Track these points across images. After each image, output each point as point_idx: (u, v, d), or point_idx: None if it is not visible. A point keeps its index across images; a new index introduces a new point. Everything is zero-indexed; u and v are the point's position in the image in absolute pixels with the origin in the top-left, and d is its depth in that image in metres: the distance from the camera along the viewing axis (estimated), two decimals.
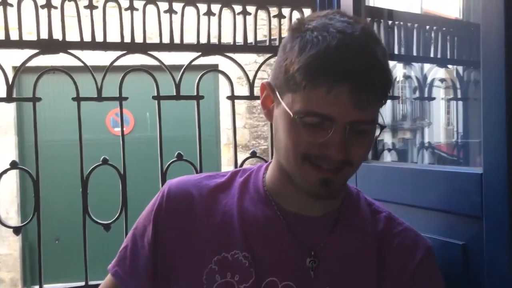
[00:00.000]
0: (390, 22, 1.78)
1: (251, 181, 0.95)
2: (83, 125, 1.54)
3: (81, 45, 1.51)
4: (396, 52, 1.81)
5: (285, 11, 1.69)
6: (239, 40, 1.67)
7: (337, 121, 0.78)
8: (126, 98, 1.57)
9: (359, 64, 0.77)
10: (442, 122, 2.54)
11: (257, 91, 1.31)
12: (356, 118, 0.79)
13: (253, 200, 0.92)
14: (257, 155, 1.72)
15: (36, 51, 1.46)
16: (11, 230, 1.50)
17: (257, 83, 1.40)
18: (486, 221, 1.10)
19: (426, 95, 1.85)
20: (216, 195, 0.94)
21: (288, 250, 0.88)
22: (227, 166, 5.47)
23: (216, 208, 0.93)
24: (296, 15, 1.69)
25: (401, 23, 1.79)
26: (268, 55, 1.74)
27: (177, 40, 1.60)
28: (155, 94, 1.59)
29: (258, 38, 1.68)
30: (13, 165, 1.47)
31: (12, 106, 5.11)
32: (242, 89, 1.80)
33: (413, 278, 0.90)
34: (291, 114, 0.80)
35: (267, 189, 0.93)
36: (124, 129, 1.62)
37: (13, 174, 4.14)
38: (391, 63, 1.84)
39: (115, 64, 1.53)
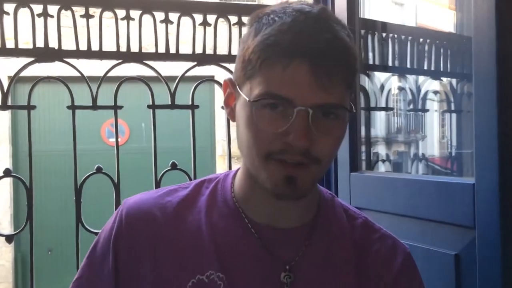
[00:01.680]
0: (384, 34, 1.80)
1: (218, 193, 0.87)
2: (78, 136, 1.54)
3: (77, 53, 1.52)
4: (390, 64, 1.83)
5: None
6: (235, 51, 1.68)
7: (298, 104, 0.71)
8: (121, 107, 1.58)
9: (317, 39, 0.72)
10: (436, 135, 2.56)
11: None
12: (319, 100, 0.72)
13: (222, 214, 0.85)
14: None
15: (32, 59, 1.47)
16: (3, 239, 1.49)
17: None
18: (478, 231, 1.11)
19: (419, 107, 1.86)
20: (181, 212, 0.85)
21: (262, 267, 0.82)
22: None
23: (183, 227, 0.84)
24: None
25: (395, 35, 1.81)
26: None
27: (172, 50, 1.61)
28: (150, 104, 1.60)
29: None
30: (7, 172, 1.46)
31: (7, 115, 5.10)
32: None
33: (395, 285, 0.86)
34: (248, 100, 0.75)
35: (236, 200, 0.85)
36: (119, 139, 1.62)
37: (7, 184, 4.11)
38: (385, 75, 1.86)
39: (111, 74, 1.54)
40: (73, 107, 1.52)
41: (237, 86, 0.79)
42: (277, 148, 0.74)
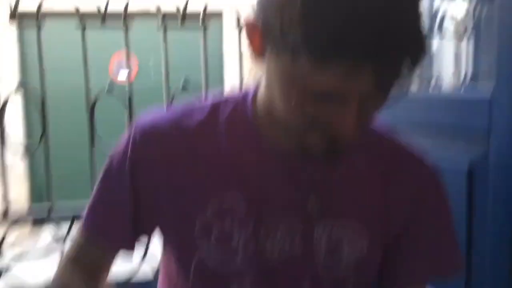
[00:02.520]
0: None
1: (238, 116, 0.81)
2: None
3: None
4: None
5: None
6: None
7: (353, 99, 0.63)
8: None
9: (386, 40, 0.57)
10: (450, 67, 2.51)
11: None
12: (376, 98, 0.65)
13: (243, 139, 0.80)
14: None
15: None
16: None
17: None
18: (492, 144, 1.11)
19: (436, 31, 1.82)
20: (199, 137, 0.80)
21: (287, 193, 0.79)
22: None
23: (203, 150, 0.80)
24: None
25: None
26: None
27: None
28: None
29: None
30: (22, 85, 1.48)
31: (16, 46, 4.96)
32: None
33: (419, 201, 0.84)
34: (295, 82, 0.64)
35: (258, 124, 0.79)
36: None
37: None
38: None
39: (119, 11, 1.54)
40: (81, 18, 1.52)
41: (270, 41, 0.66)
42: (321, 124, 0.67)
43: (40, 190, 3.79)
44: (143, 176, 0.80)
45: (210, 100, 0.85)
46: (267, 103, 0.75)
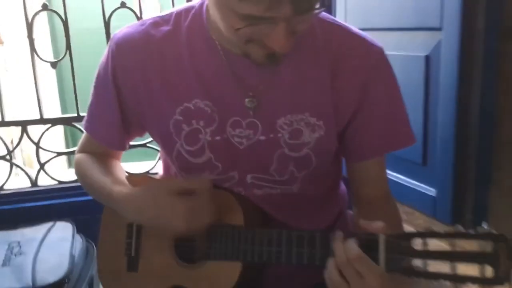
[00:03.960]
0: None
1: (196, 25, 0.90)
2: None
3: None
4: None
5: None
6: None
7: (279, 21, 0.71)
8: None
9: None
10: None
11: None
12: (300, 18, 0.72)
13: (200, 47, 0.88)
14: None
15: None
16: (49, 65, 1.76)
17: None
18: (444, 32, 1.38)
19: None
20: (165, 45, 0.90)
21: (235, 94, 0.88)
22: None
23: (168, 59, 0.89)
24: None
25: None
26: None
27: None
28: None
29: None
30: (44, 7, 1.68)
31: None
32: None
33: (367, 83, 0.88)
34: (226, 7, 0.72)
35: (212, 32, 0.87)
36: None
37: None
38: None
39: None
40: None
41: None
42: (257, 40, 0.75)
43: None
44: (123, 80, 0.91)
45: (173, 11, 0.94)
46: (213, 17, 0.83)
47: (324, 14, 0.90)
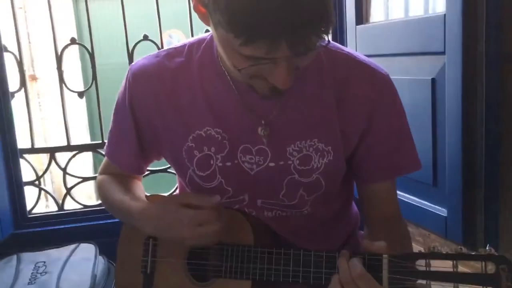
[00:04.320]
0: None
1: (207, 57, 0.93)
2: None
3: None
4: None
5: None
6: None
7: (279, 61, 0.73)
8: None
9: (296, 15, 0.66)
10: None
11: None
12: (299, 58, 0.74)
13: (211, 77, 0.92)
14: None
15: None
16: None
17: None
18: (447, 56, 1.42)
19: None
20: (178, 75, 0.94)
21: (246, 123, 0.91)
22: None
23: (181, 89, 0.93)
24: None
25: None
26: None
27: None
28: None
29: None
30: (72, 41, 1.80)
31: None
32: None
33: (373, 110, 0.90)
34: (230, 48, 0.74)
35: (222, 64, 0.90)
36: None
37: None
38: None
39: None
40: None
41: (210, 14, 0.74)
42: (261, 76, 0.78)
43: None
44: (139, 108, 0.97)
45: (186, 42, 0.98)
46: (220, 53, 0.86)
47: (331, 44, 0.88)
